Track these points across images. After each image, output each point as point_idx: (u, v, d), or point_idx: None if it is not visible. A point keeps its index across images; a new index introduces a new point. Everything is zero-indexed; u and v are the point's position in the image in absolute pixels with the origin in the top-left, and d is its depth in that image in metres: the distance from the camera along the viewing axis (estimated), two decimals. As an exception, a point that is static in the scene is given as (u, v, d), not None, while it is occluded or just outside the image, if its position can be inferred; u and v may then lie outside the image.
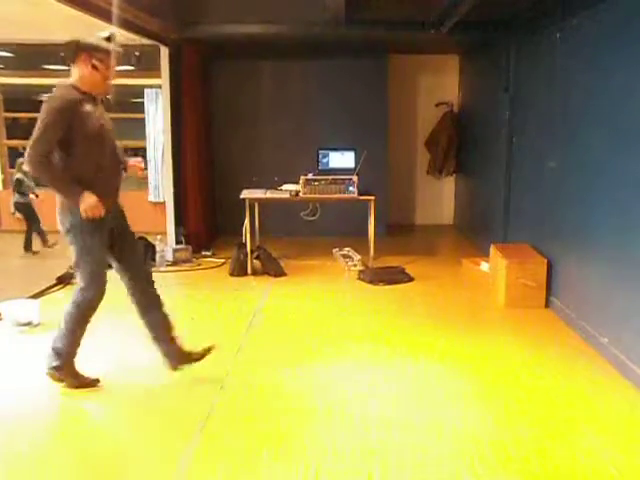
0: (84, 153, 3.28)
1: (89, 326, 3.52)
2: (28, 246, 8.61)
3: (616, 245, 3.96)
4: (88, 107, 3.28)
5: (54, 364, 3.51)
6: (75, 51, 3.29)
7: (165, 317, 3.67)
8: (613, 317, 4.00)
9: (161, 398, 3.56)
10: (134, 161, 3.92)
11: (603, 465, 2.82)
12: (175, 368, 3.68)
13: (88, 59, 3.28)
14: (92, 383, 3.59)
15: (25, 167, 8.56)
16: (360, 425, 3.19)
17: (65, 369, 3.52)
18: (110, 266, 3.57)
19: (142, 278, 3.63)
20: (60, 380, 3.54)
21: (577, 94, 4.63)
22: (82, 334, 3.52)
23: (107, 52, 3.28)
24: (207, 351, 3.72)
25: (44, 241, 8.71)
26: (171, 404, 3.48)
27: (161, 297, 3.68)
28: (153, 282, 3.68)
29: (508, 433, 3.11)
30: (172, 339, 3.68)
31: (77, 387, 3.53)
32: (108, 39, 3.35)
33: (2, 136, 9.94)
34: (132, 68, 8.79)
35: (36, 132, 3.18)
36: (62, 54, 3.48)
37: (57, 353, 3.49)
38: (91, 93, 3.34)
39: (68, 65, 3.37)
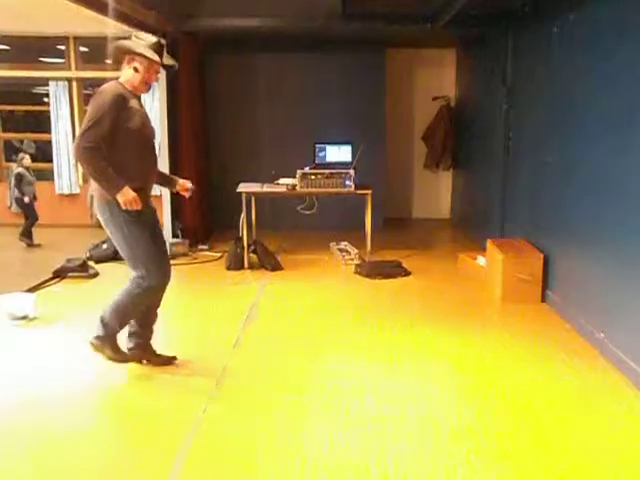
0: (127, 147, 3.42)
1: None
2: (25, 234, 8.44)
3: (613, 240, 3.97)
4: (133, 103, 3.45)
5: (98, 333, 3.60)
6: (119, 53, 3.51)
7: (156, 316, 3.81)
8: (609, 312, 4.01)
9: (156, 392, 3.56)
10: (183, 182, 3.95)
11: (598, 460, 2.83)
12: (134, 358, 3.77)
13: (131, 61, 3.47)
14: (131, 359, 3.72)
15: (28, 164, 8.57)
16: (357, 420, 3.19)
17: (107, 341, 3.60)
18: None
19: (167, 277, 3.70)
20: (100, 350, 3.62)
21: (574, 88, 4.63)
22: (134, 313, 3.64)
23: (146, 57, 3.46)
24: (169, 360, 3.86)
25: (29, 240, 8.47)
26: (167, 399, 3.48)
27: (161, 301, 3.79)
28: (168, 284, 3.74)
29: (504, 428, 3.12)
30: (151, 333, 3.82)
31: (115, 361, 3.64)
32: (156, 45, 3.53)
33: (-2, 129, 9.91)
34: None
35: (86, 122, 3.30)
36: (110, 55, 3.59)
37: (104, 324, 3.58)
38: (134, 92, 3.51)
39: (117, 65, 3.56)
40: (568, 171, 4.74)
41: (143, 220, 3.51)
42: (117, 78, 3.51)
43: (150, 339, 3.82)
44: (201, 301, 5.34)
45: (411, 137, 9.28)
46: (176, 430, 3.08)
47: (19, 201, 8.55)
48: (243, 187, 6.52)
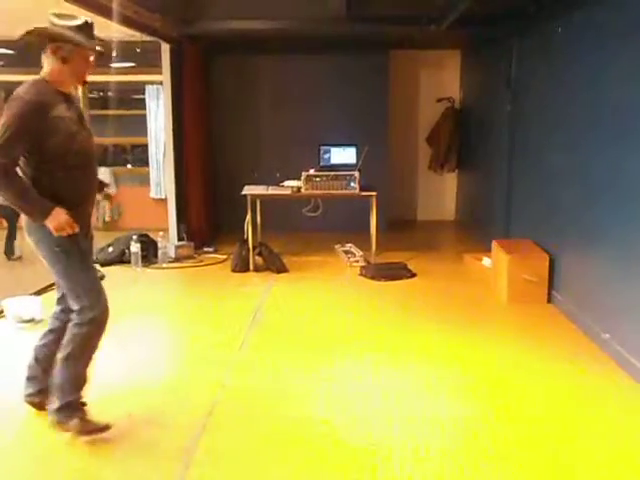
0: (57, 160, 2.79)
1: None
2: (9, 249, 7.71)
3: (619, 240, 3.96)
4: (58, 110, 2.78)
5: (54, 406, 2.95)
6: (41, 41, 2.82)
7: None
8: (615, 313, 4.00)
9: (162, 396, 3.56)
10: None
11: (605, 461, 2.82)
12: (33, 404, 3.18)
13: (57, 50, 2.81)
14: (103, 429, 2.99)
15: None
16: (362, 421, 3.20)
17: (69, 410, 2.95)
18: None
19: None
20: (66, 425, 2.95)
21: (580, 88, 4.62)
22: (88, 364, 2.99)
23: (78, 44, 2.80)
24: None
25: (10, 252, 7.73)
26: (172, 402, 3.48)
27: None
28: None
29: (510, 429, 3.12)
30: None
31: (84, 434, 2.95)
32: (86, 27, 2.87)
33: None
34: (133, 64, 8.81)
35: (0, 136, 2.63)
36: (28, 44, 2.95)
37: (58, 391, 2.95)
38: (62, 89, 2.86)
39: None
40: (573, 172, 4.72)
41: (81, 241, 2.91)
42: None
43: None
44: (206, 303, 5.34)
45: (415, 139, 9.27)
46: (180, 434, 3.08)
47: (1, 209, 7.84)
48: (248, 189, 6.53)
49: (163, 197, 8.75)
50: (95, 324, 2.93)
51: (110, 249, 6.58)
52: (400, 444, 2.95)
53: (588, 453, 2.88)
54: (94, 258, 6.41)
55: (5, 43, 9.19)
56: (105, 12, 5.09)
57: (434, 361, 4.00)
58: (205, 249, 7.21)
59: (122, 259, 6.52)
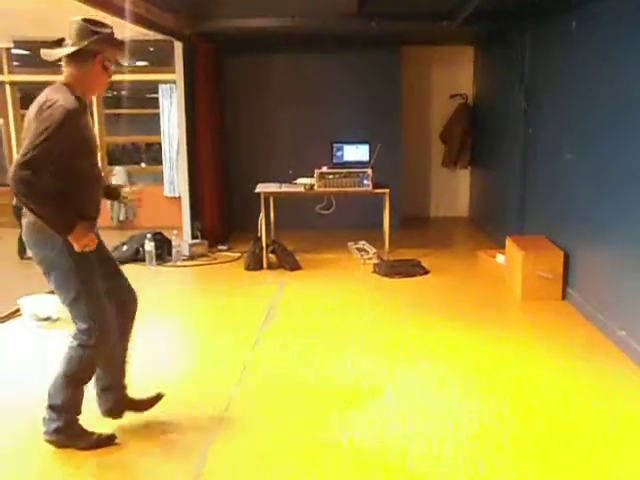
0: (81, 172, 2.74)
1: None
2: (24, 250, 8.12)
3: (634, 237, 3.92)
4: (86, 118, 2.76)
5: (54, 426, 2.86)
6: (90, 48, 2.71)
7: (125, 353, 3.15)
8: (631, 309, 3.96)
9: (177, 394, 3.58)
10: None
11: (619, 459, 2.81)
12: (113, 415, 3.13)
13: (102, 59, 2.75)
14: (109, 440, 2.95)
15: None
16: (377, 418, 3.20)
17: (70, 429, 2.88)
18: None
19: (129, 304, 3.10)
20: (65, 444, 2.88)
21: (594, 83, 4.58)
22: (86, 384, 2.91)
23: (121, 51, 2.84)
24: (155, 400, 3.21)
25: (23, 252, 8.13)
26: (187, 400, 3.50)
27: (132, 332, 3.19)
28: (135, 312, 3.13)
29: (525, 427, 3.11)
30: (122, 386, 3.16)
31: (91, 449, 2.89)
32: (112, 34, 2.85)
33: (20, 133, 10.04)
34: (146, 63, 8.85)
35: (30, 146, 2.53)
36: (61, 48, 2.79)
37: (56, 411, 2.85)
38: (84, 97, 2.78)
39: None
40: (588, 169, 4.69)
41: (93, 260, 2.82)
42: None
43: (126, 389, 3.17)
44: (220, 301, 5.37)
45: (428, 135, 9.24)
46: (196, 431, 3.11)
47: (17, 210, 8.15)
48: (261, 187, 6.55)
49: (177, 195, 8.79)
50: (103, 345, 2.85)
51: (124, 248, 6.63)
52: (414, 442, 2.95)
53: (604, 451, 2.86)
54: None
55: (22, 44, 9.28)
56: (118, 11, 5.12)
57: (448, 358, 3.99)
58: (219, 247, 7.24)
59: (136, 257, 6.56)
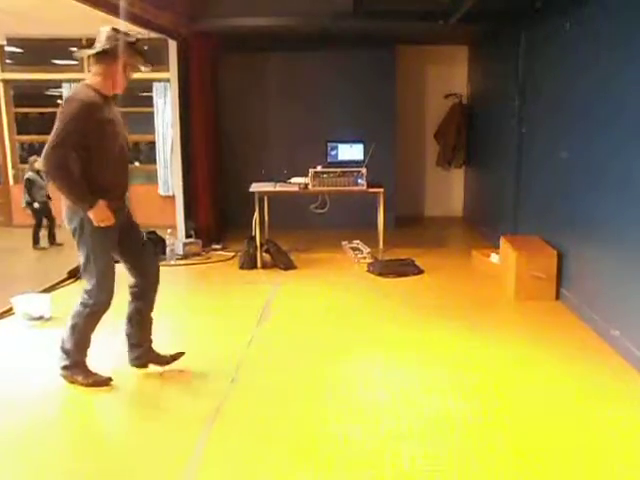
0: (101, 158, 3.25)
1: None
2: (37, 241, 8.56)
3: (628, 237, 3.93)
4: (106, 112, 3.26)
5: (63, 363, 3.52)
6: (113, 53, 3.25)
7: (150, 317, 3.73)
8: (625, 309, 3.97)
9: (171, 392, 3.58)
10: None
11: (614, 459, 2.81)
12: (138, 366, 3.75)
13: (122, 62, 3.28)
14: (105, 382, 3.55)
15: (39, 167, 8.63)
16: (371, 417, 3.20)
17: (76, 368, 3.51)
18: (116, 261, 3.55)
19: (151, 277, 3.65)
20: (72, 380, 3.53)
21: (588, 83, 4.59)
22: (90, 334, 3.51)
23: (140, 55, 3.36)
24: (175, 357, 3.80)
25: (52, 239, 8.65)
26: (181, 398, 3.50)
27: (154, 302, 3.73)
28: (157, 284, 3.69)
29: (518, 427, 3.11)
30: (148, 341, 3.75)
31: (89, 386, 3.50)
32: (134, 43, 3.37)
33: (13, 132, 9.99)
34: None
35: (56, 135, 3.10)
36: (88, 53, 3.33)
37: (66, 353, 3.50)
38: (107, 95, 3.32)
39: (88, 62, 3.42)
40: (582, 168, 4.70)
41: (110, 235, 3.36)
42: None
43: (151, 344, 3.77)
44: (214, 301, 5.36)
45: (423, 135, 9.26)
46: (189, 429, 3.09)
47: (29, 205, 8.55)
48: (256, 187, 6.54)
49: (171, 194, 8.79)
50: (97, 307, 3.41)
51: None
52: (408, 441, 2.95)
53: (597, 451, 2.87)
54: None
55: (15, 42, 9.25)
56: (113, 10, 5.10)
57: (441, 358, 3.99)
58: (213, 246, 7.23)
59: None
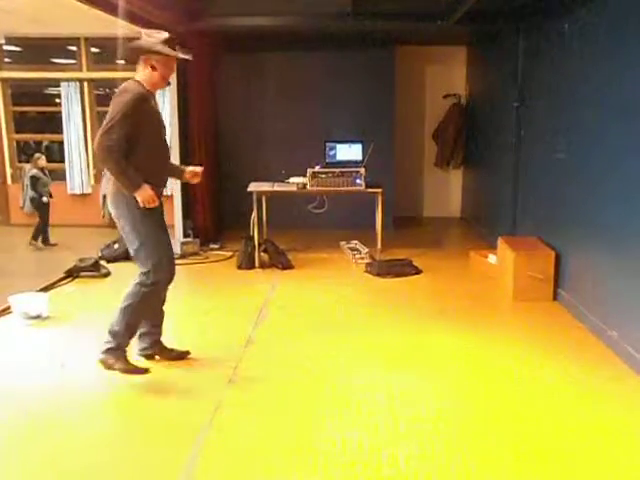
0: (146, 146, 3.48)
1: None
2: (36, 236, 8.57)
3: (626, 238, 3.94)
4: (152, 103, 3.55)
5: (107, 346, 3.58)
6: (134, 54, 3.55)
7: (163, 313, 3.89)
8: (622, 310, 3.98)
9: (169, 391, 3.58)
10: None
11: (612, 461, 2.82)
12: (145, 356, 3.88)
13: (147, 61, 3.50)
14: (142, 371, 3.67)
15: (44, 164, 8.64)
16: (368, 417, 3.20)
17: (119, 351, 3.59)
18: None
19: (170, 271, 3.74)
20: (110, 367, 3.58)
21: (586, 85, 4.59)
22: (142, 317, 3.67)
23: (163, 54, 3.50)
24: (182, 355, 3.94)
25: (46, 240, 8.63)
26: (179, 398, 3.49)
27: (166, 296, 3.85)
28: (173, 279, 3.77)
29: (515, 428, 3.11)
30: (157, 333, 3.90)
31: (127, 372, 3.60)
32: (169, 40, 3.54)
33: (11, 130, 9.97)
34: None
35: (108, 121, 3.35)
36: (123, 57, 3.66)
37: (113, 335, 3.58)
38: (152, 90, 3.58)
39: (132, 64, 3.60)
40: (580, 169, 4.70)
41: (155, 216, 3.58)
42: (129, 78, 3.52)
43: (161, 336, 3.89)
44: (212, 300, 5.35)
45: (421, 135, 9.26)
46: (187, 430, 3.09)
47: (34, 201, 8.59)
48: (254, 186, 6.54)
49: (169, 194, 8.76)
50: (156, 285, 3.59)
51: (116, 246, 6.59)
52: (406, 442, 2.95)
53: (595, 452, 2.87)
54: (101, 254, 6.50)
55: (13, 40, 9.23)
56: (111, 9, 5.09)
57: (439, 358, 3.99)
58: (211, 246, 7.22)
59: (128, 256, 6.43)
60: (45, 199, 8.52)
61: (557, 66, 5.23)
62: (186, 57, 3.80)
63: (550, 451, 2.87)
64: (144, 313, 3.67)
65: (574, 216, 4.82)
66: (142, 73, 3.52)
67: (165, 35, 3.54)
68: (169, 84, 3.69)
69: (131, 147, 3.41)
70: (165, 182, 3.76)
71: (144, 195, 3.42)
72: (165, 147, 3.75)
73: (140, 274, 3.58)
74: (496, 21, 6.41)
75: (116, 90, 3.54)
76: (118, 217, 3.57)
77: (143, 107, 3.43)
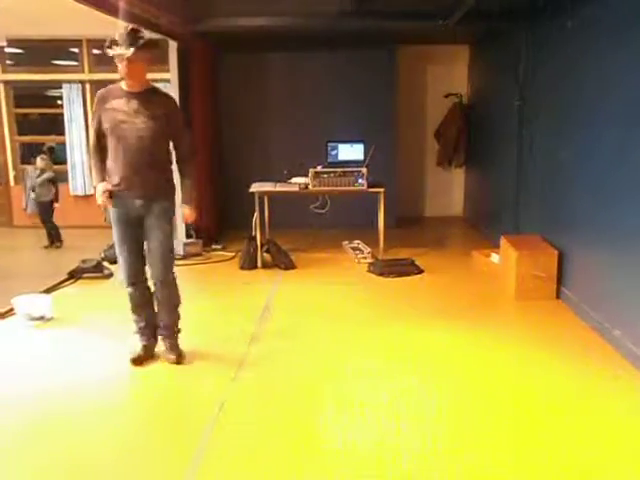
0: (109, 145, 3.62)
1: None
2: (52, 240, 8.59)
3: (629, 236, 3.93)
4: (115, 103, 3.58)
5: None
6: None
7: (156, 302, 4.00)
8: (626, 309, 3.97)
9: (173, 390, 3.59)
10: None
11: (614, 459, 2.81)
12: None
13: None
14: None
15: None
16: (371, 416, 3.20)
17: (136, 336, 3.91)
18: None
19: (155, 270, 3.80)
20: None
21: (589, 83, 4.59)
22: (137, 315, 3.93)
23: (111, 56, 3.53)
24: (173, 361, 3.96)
25: (52, 242, 8.65)
26: (182, 397, 3.50)
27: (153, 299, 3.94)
28: (161, 281, 3.82)
29: (518, 428, 3.11)
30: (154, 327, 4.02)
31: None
32: (120, 37, 3.47)
33: (13, 132, 9.98)
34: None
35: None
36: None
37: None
38: (129, 89, 3.61)
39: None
40: (583, 167, 4.70)
41: (117, 216, 3.70)
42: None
43: (156, 328, 4.03)
44: (215, 300, 5.36)
45: (423, 134, 9.25)
46: (192, 428, 3.10)
47: (51, 204, 8.59)
48: (256, 187, 6.54)
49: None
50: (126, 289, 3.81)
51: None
52: (408, 441, 2.95)
53: (598, 450, 2.87)
54: (103, 255, 6.50)
55: (15, 43, 9.24)
56: (112, 10, 5.10)
57: (442, 357, 3.99)
58: (213, 246, 7.22)
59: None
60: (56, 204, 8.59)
61: (560, 65, 5.22)
62: (119, 53, 3.48)
63: (554, 448, 2.87)
64: (133, 311, 3.89)
65: (577, 215, 4.82)
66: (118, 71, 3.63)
67: (116, 34, 3.48)
68: (137, 80, 3.57)
69: (105, 145, 3.63)
70: (130, 183, 3.62)
71: (96, 192, 3.64)
72: (128, 148, 3.57)
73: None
74: (498, 20, 6.40)
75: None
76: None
77: (101, 106, 3.60)
